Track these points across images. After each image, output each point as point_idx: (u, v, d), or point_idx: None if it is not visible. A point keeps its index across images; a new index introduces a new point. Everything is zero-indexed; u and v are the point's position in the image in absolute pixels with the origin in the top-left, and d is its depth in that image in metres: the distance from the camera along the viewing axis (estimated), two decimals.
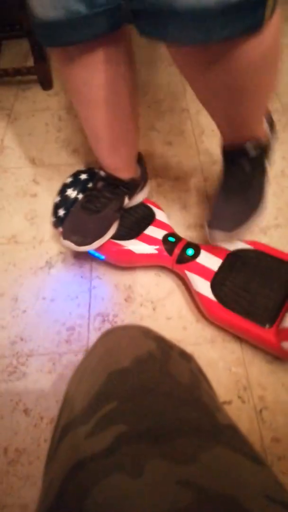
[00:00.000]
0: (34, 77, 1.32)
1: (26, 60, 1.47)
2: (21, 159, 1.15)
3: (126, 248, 0.83)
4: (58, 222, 0.86)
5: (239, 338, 0.79)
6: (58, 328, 0.82)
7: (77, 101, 0.71)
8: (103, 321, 0.83)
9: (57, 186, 1.07)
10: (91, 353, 0.37)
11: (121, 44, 0.63)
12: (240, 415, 0.71)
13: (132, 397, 0.29)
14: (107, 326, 0.82)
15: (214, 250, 0.83)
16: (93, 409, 0.29)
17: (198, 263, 0.81)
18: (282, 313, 0.73)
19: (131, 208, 0.90)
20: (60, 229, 0.85)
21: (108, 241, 0.83)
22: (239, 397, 0.73)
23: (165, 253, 0.83)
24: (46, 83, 1.33)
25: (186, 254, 0.82)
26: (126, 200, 0.86)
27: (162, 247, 0.84)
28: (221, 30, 0.45)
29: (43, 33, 0.58)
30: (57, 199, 0.87)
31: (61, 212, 0.85)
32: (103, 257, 0.86)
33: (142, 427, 0.26)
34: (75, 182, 0.88)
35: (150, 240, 0.84)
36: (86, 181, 0.88)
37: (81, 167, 1.12)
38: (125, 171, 0.82)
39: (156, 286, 0.88)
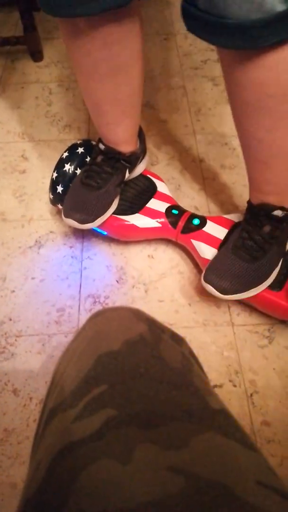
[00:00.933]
0: (24, 47, 1.26)
1: (15, 30, 1.40)
2: (10, 133, 1.10)
3: (129, 223, 0.82)
4: (57, 198, 0.84)
5: (232, 322, 0.79)
6: (47, 309, 0.81)
7: (81, 73, 0.68)
8: (94, 302, 0.81)
9: (47, 163, 1.04)
10: (80, 335, 0.36)
11: (130, 18, 0.61)
12: (230, 398, 0.71)
13: (122, 381, 0.28)
14: (98, 307, 0.81)
15: (219, 220, 0.83)
16: (82, 392, 0.28)
17: (204, 232, 0.80)
18: None
19: (131, 180, 0.88)
20: (59, 206, 0.83)
21: (110, 216, 0.81)
22: (230, 381, 0.73)
23: (169, 226, 0.82)
24: (36, 54, 1.27)
25: (192, 223, 0.81)
26: (127, 174, 0.84)
27: (166, 220, 0.82)
28: (267, 39, 0.47)
29: (49, 2, 0.56)
30: (55, 175, 0.84)
31: (60, 188, 0.83)
32: (105, 232, 0.85)
33: (132, 411, 0.25)
34: (72, 156, 0.85)
35: (153, 214, 0.83)
36: (83, 155, 0.85)
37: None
38: (126, 145, 0.79)
39: (149, 268, 0.86)
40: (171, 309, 0.81)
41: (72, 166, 0.83)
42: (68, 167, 0.83)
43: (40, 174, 1.01)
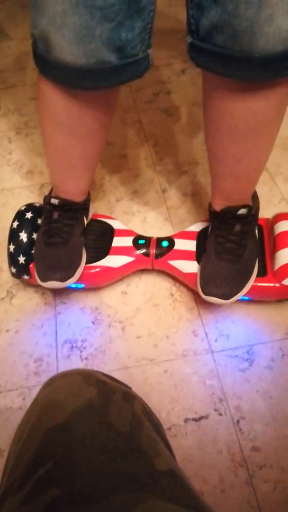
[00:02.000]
0: None
1: None
2: None
3: (104, 266, 0.82)
4: (21, 270, 0.81)
5: (211, 349, 0.79)
6: (25, 361, 0.79)
7: (59, 132, 0.68)
8: (72, 347, 0.81)
9: (12, 211, 1.04)
10: (30, 409, 0.36)
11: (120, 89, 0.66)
12: (217, 428, 0.71)
13: (68, 455, 0.28)
14: (76, 352, 0.80)
15: (183, 235, 0.87)
16: (29, 472, 0.28)
17: (177, 250, 0.84)
18: (268, 261, 0.81)
19: (85, 228, 0.88)
20: (25, 277, 0.81)
21: (84, 267, 0.81)
22: (216, 410, 0.73)
23: (142, 256, 0.84)
24: None
25: (162, 246, 0.84)
26: (85, 221, 0.85)
27: (137, 252, 0.84)
28: (285, 69, 0.52)
29: (68, 76, 0.56)
30: (12, 247, 0.81)
31: (22, 259, 0.80)
32: (82, 285, 0.84)
33: (75, 488, 0.26)
34: (23, 223, 0.83)
35: (123, 251, 0.84)
36: (33, 219, 0.84)
37: (36, 188, 1.09)
38: (83, 194, 0.81)
39: (123, 305, 0.87)
40: (149, 343, 0.81)
41: (27, 233, 0.82)
42: (23, 236, 0.81)
43: (6, 224, 1.01)
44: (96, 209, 1.04)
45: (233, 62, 0.51)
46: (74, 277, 0.77)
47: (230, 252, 0.75)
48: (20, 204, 1.06)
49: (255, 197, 0.80)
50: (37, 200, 1.06)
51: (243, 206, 0.74)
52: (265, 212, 0.90)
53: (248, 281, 0.76)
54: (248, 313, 0.84)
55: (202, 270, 0.77)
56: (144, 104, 1.30)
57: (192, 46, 0.54)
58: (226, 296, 0.73)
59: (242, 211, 0.74)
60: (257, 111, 0.58)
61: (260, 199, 1.00)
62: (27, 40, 1.59)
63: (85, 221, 0.85)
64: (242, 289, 0.74)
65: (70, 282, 0.77)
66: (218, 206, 0.76)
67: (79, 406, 0.32)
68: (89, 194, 0.86)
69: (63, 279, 0.75)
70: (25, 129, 1.25)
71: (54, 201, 0.77)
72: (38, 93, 0.66)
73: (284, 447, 0.69)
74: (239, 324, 0.82)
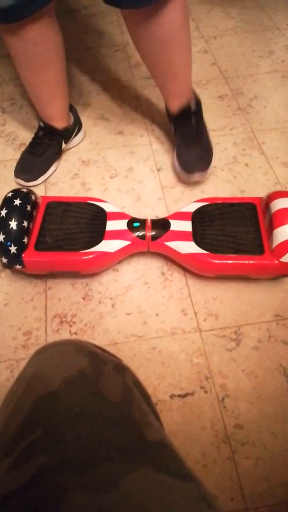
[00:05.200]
0: None
1: None
2: None
3: (100, 252, 0.80)
4: (13, 259, 0.79)
5: (199, 328, 0.80)
6: (14, 334, 0.79)
7: (20, 66, 0.90)
8: (61, 322, 0.81)
9: (4, 183, 1.02)
10: (21, 375, 0.36)
11: (50, 18, 0.84)
12: (203, 405, 0.72)
13: (57, 424, 0.28)
14: (65, 327, 0.80)
15: (178, 216, 0.86)
16: (17, 438, 0.28)
17: (173, 231, 0.83)
18: (264, 239, 0.81)
19: (78, 210, 0.86)
20: (18, 266, 0.80)
21: (80, 253, 0.79)
22: (202, 387, 0.74)
23: (138, 239, 0.82)
24: None
25: (157, 228, 0.83)
26: (63, 145, 1.06)
27: (133, 235, 0.82)
28: None
29: (5, 12, 0.76)
30: (1, 237, 0.78)
31: (13, 248, 0.78)
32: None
33: (64, 456, 0.26)
34: (12, 211, 0.79)
35: (118, 234, 0.82)
36: (22, 205, 0.80)
37: None
38: (59, 121, 1.02)
39: (114, 282, 0.87)
40: (139, 321, 0.81)
41: (17, 221, 0.78)
42: (13, 224, 0.78)
43: None
44: (90, 185, 1.03)
45: None
46: (36, 181, 1.01)
47: (194, 140, 0.99)
48: (11, 177, 1.04)
49: (196, 96, 0.99)
50: None
51: (192, 103, 0.96)
52: (260, 195, 0.90)
53: (212, 155, 1.01)
54: (238, 294, 0.84)
55: (179, 161, 0.99)
56: (143, 80, 1.27)
57: None
58: (204, 169, 0.97)
59: (193, 106, 0.96)
60: (171, 23, 0.81)
61: (255, 182, 1.00)
62: None
63: (64, 145, 1.06)
64: (211, 161, 0.99)
65: (33, 184, 1.01)
66: (173, 106, 0.97)
67: (70, 376, 0.32)
68: (77, 125, 1.09)
69: (27, 180, 1.01)
70: (20, 100, 1.22)
71: (41, 123, 1.02)
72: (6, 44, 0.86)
73: (266, 426, 0.70)
74: (228, 304, 0.83)
